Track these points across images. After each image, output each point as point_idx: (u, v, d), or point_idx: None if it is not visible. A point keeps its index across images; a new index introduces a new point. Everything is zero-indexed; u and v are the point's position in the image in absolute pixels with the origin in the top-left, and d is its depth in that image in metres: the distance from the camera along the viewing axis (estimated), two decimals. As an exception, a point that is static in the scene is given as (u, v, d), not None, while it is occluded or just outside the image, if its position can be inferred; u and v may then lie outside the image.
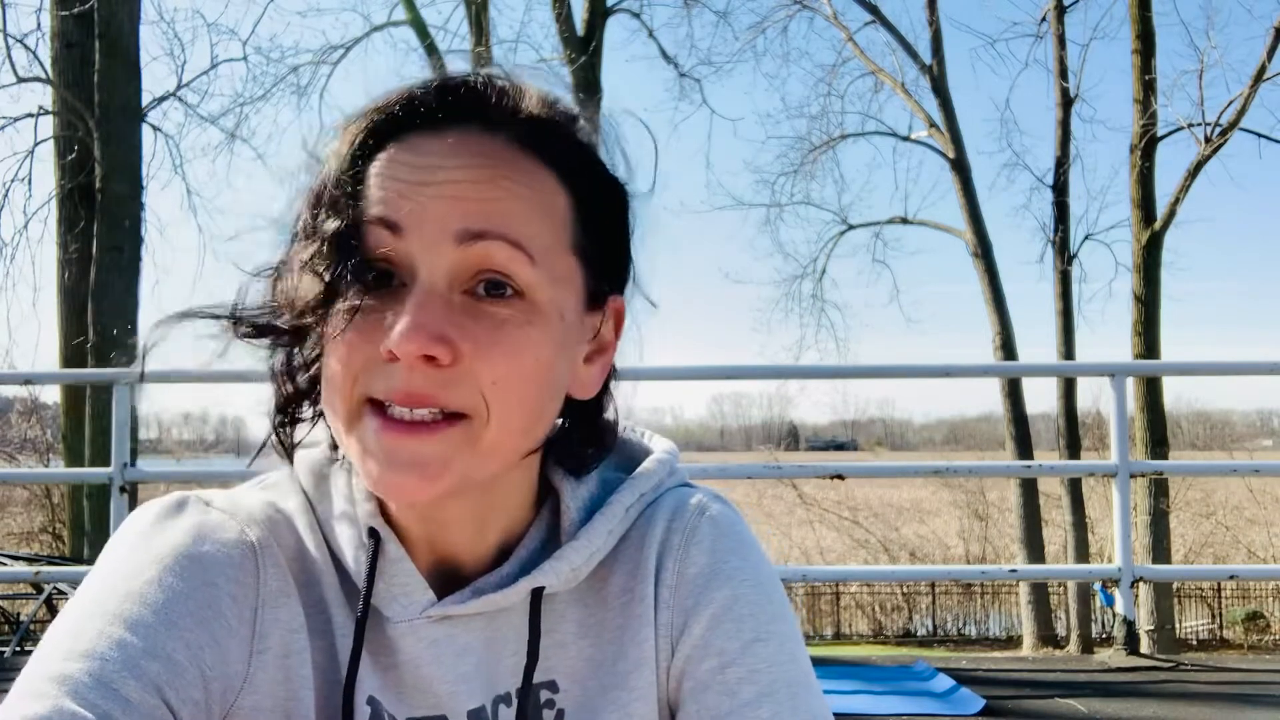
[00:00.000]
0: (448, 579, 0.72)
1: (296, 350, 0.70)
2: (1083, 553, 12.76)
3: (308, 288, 0.64)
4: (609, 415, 0.77)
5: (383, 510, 0.71)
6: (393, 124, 0.65)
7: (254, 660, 0.67)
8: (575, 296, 0.67)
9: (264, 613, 0.67)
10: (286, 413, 0.72)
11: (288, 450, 0.74)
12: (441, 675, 0.69)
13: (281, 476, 0.75)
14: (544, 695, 0.71)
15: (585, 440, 0.75)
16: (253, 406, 0.74)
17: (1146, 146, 11.44)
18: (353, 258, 0.62)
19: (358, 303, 0.62)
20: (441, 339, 0.61)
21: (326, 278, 0.63)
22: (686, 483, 0.79)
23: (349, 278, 0.62)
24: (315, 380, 0.71)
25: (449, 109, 0.65)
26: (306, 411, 0.73)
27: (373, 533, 0.70)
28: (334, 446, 0.74)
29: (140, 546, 0.67)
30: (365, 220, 0.63)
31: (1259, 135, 12.00)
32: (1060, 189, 13.54)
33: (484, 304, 0.63)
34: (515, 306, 0.63)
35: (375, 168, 0.64)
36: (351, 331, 0.63)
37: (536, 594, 0.70)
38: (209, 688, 0.64)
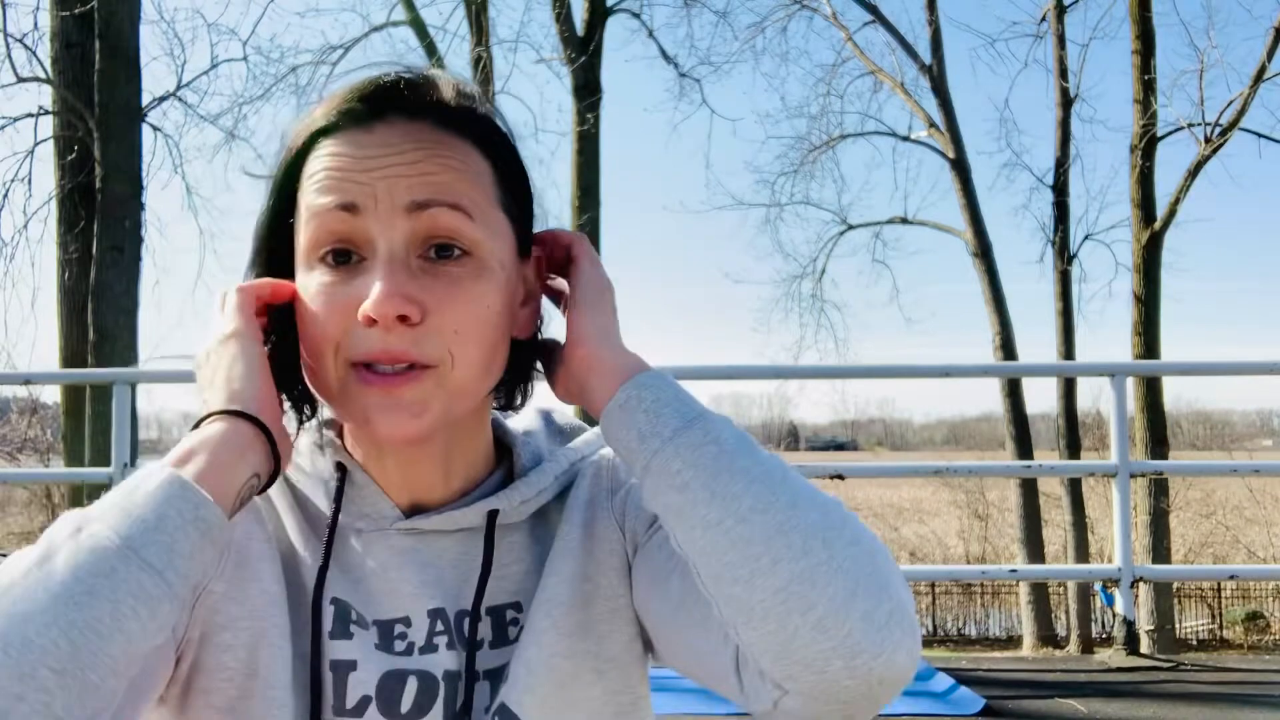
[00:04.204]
0: (415, 513, 0.81)
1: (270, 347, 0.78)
2: (1083, 553, 12.75)
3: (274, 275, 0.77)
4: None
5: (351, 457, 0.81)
6: (326, 130, 0.74)
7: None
8: (508, 248, 0.77)
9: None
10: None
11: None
12: (407, 578, 0.78)
13: None
14: (509, 614, 0.79)
15: (521, 377, 0.84)
16: None
17: (1146, 146, 11.43)
18: (325, 242, 0.72)
19: (329, 279, 0.72)
20: (411, 299, 0.70)
21: (307, 255, 0.74)
22: None
23: (325, 255, 0.72)
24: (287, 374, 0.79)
25: (374, 106, 0.74)
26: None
27: (339, 467, 0.80)
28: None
29: None
30: (322, 208, 0.72)
31: (1259, 135, 11.98)
32: (1060, 189, 13.53)
33: (439, 265, 0.72)
34: (465, 264, 0.72)
35: (316, 165, 0.73)
36: (326, 305, 0.72)
37: (491, 516, 0.79)
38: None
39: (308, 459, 0.82)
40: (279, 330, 0.78)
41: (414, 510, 0.80)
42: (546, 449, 0.87)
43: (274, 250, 0.78)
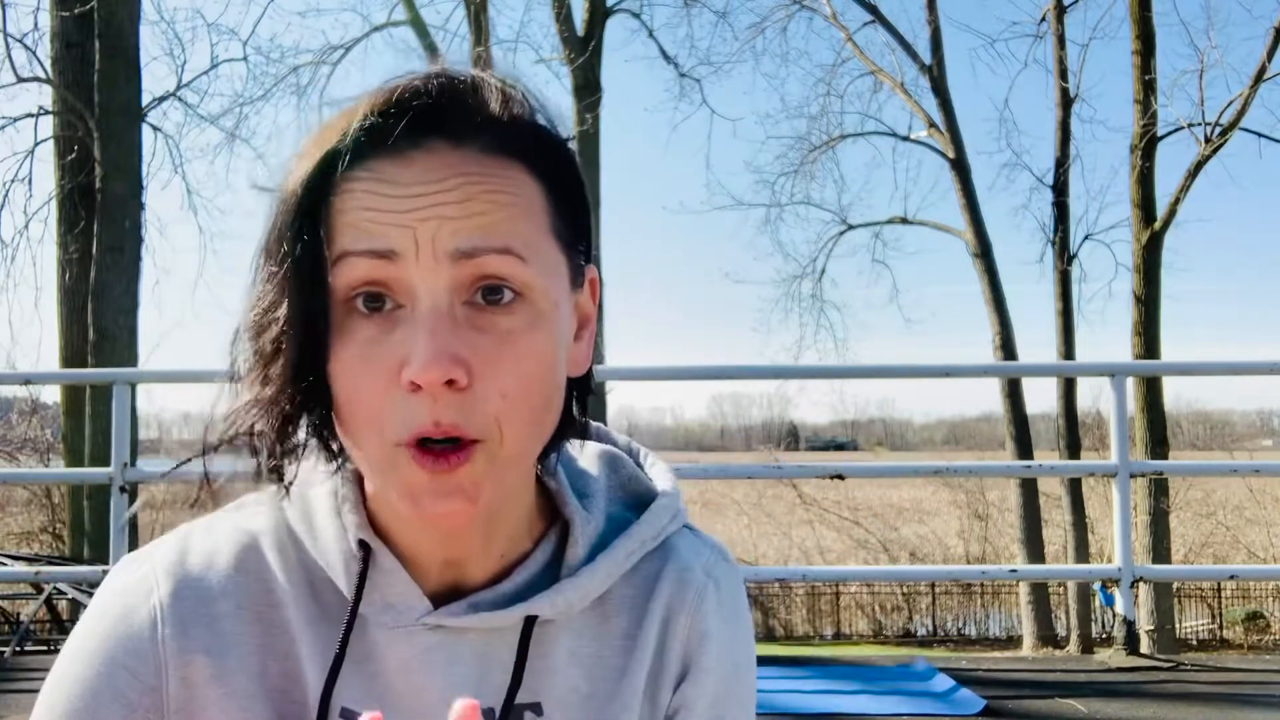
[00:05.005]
0: (449, 591, 0.72)
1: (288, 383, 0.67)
2: (1083, 553, 12.76)
3: (297, 328, 0.63)
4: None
5: (373, 522, 0.71)
6: (356, 153, 0.63)
7: None
8: (563, 282, 0.68)
9: (170, 674, 0.68)
10: (282, 444, 0.68)
11: (285, 486, 0.71)
12: (432, 683, 0.69)
13: (261, 495, 0.74)
14: (527, 716, 0.72)
15: (571, 419, 0.74)
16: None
17: (1146, 146, 11.44)
18: (358, 286, 0.63)
19: (363, 334, 0.63)
20: (458, 361, 0.61)
21: (338, 298, 0.63)
22: (687, 525, 0.81)
23: (355, 299, 0.63)
24: (305, 404, 0.67)
25: (412, 129, 0.63)
26: (298, 437, 0.69)
27: (363, 545, 0.70)
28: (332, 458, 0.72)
29: (72, 634, 0.71)
30: (355, 254, 0.62)
31: (1259, 135, 12.02)
32: (1060, 189, 13.54)
33: (487, 313, 0.63)
34: (517, 311, 0.63)
35: (346, 200, 0.63)
36: (364, 371, 0.62)
37: (529, 621, 0.71)
38: None
39: (326, 522, 0.72)
40: (303, 364, 0.65)
41: (446, 581, 0.71)
42: (605, 515, 0.77)
43: (303, 278, 0.64)
